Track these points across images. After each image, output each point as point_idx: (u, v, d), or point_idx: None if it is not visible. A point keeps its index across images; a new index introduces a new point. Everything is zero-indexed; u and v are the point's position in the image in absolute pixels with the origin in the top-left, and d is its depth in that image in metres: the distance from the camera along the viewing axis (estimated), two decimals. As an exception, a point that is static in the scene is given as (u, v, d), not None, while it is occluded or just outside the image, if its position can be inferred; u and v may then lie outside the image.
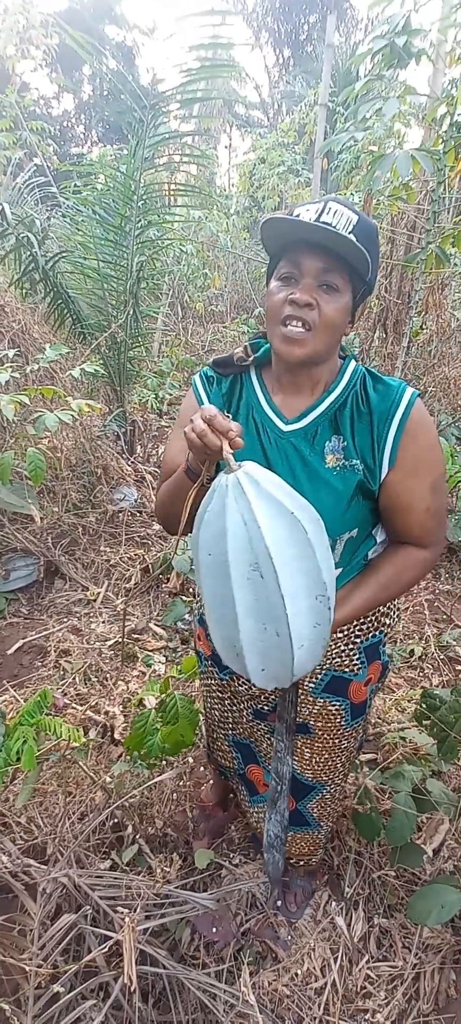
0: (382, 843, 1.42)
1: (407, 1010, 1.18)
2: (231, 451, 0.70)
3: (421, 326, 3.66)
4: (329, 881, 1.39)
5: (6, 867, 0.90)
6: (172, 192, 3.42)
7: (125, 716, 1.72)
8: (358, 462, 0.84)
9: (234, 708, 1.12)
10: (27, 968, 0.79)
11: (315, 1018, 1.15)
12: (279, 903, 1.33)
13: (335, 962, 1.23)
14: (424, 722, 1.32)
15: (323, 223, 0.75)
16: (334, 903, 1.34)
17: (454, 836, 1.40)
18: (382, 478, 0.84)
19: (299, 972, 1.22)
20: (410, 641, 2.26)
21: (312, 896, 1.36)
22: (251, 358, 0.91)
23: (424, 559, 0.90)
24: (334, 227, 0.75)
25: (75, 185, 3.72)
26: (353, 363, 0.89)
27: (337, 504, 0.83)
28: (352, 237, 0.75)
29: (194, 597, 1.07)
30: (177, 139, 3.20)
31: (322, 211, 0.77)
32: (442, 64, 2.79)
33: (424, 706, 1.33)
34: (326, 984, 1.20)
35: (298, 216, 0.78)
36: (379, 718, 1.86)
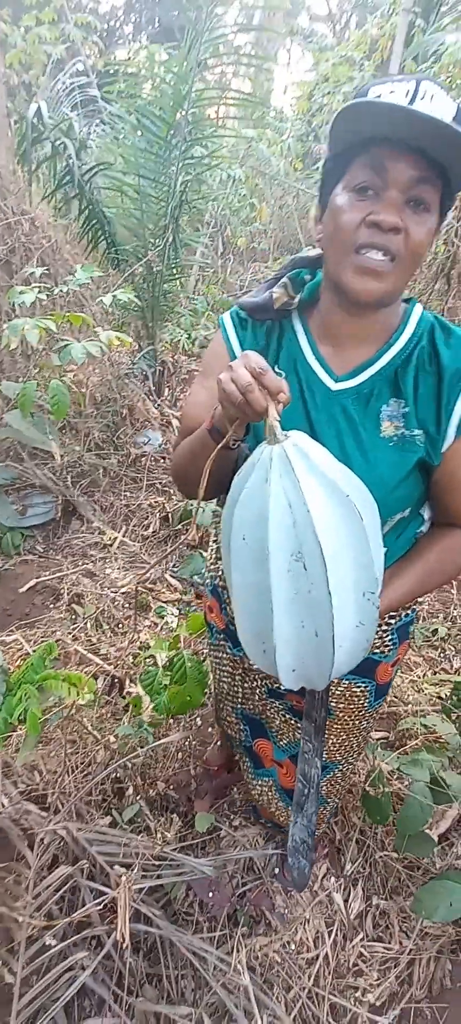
0: (387, 825, 1.38)
1: (399, 993, 1.16)
2: (278, 416, 0.58)
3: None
4: (329, 854, 1.37)
5: (5, 809, 0.90)
6: (226, 102, 3.08)
7: (136, 669, 1.70)
8: (420, 433, 0.70)
9: (246, 684, 1.06)
10: (20, 917, 0.80)
11: (304, 988, 1.14)
12: (277, 871, 1.33)
13: (329, 936, 1.23)
14: (453, 715, 1.25)
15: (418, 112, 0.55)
16: (333, 878, 1.33)
17: (467, 833, 1.34)
18: (444, 448, 0.70)
19: (292, 941, 1.22)
20: (435, 620, 2.16)
21: (311, 867, 1.34)
22: (296, 300, 0.75)
23: None
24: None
25: (119, 89, 3.43)
26: (419, 308, 0.74)
27: (391, 481, 0.71)
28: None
29: (206, 559, 0.99)
30: (235, 41, 2.85)
31: (414, 95, 0.56)
32: None
33: (455, 698, 1.25)
34: (318, 956, 1.20)
35: (379, 97, 0.57)
36: (395, 696, 1.79)
